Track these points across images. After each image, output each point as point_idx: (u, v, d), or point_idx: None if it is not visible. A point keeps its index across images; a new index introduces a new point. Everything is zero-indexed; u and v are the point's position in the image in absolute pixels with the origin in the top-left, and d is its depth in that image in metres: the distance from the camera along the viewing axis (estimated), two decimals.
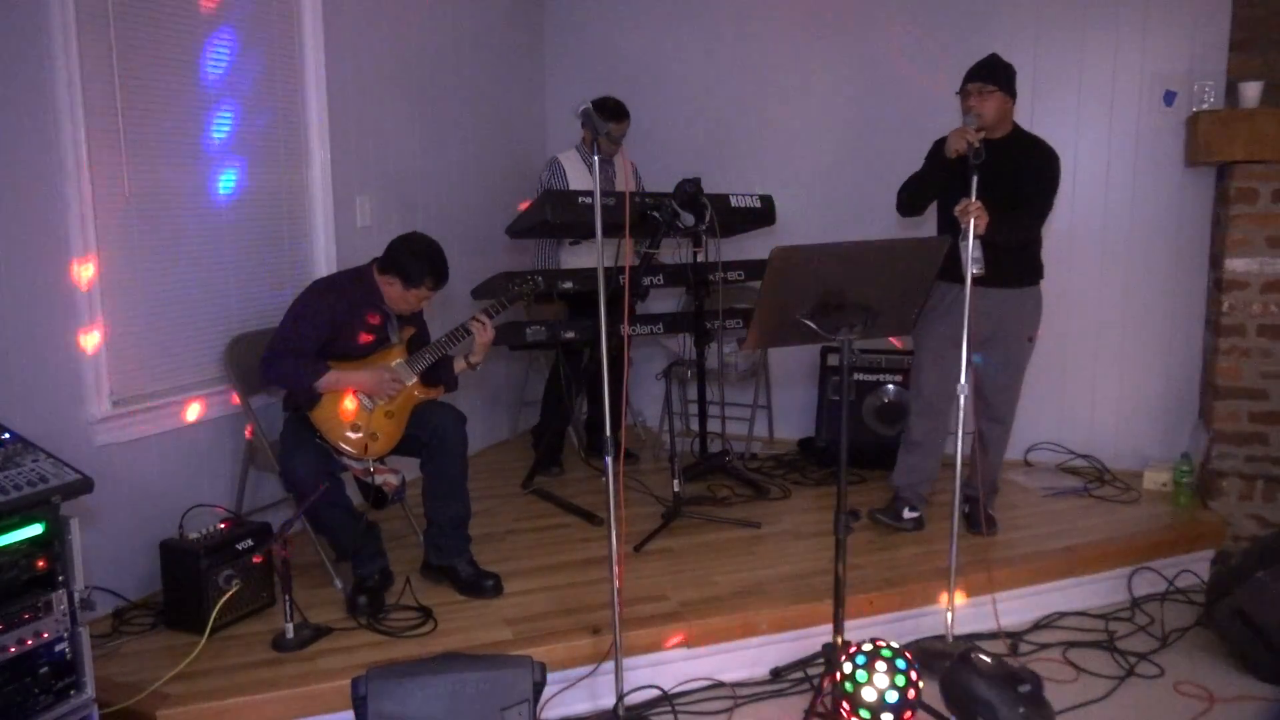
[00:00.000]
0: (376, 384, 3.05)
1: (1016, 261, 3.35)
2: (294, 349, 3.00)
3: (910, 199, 3.45)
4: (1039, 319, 3.53)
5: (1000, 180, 3.21)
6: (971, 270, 2.92)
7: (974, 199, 2.95)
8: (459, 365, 3.28)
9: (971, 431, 3.59)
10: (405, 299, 3.12)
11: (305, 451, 2.97)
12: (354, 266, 3.25)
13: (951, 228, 3.25)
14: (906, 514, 3.59)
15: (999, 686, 2.48)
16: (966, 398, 2.90)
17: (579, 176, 4.32)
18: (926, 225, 3.67)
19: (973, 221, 2.95)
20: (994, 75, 3.28)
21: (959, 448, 2.90)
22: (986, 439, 3.59)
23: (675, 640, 2.84)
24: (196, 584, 2.76)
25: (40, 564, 2.16)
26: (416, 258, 3.06)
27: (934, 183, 3.36)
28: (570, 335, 4.07)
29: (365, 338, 3.13)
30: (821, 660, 2.84)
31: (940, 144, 3.32)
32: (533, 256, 4.52)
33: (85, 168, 2.80)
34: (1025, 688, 2.47)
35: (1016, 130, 3.41)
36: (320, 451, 3.00)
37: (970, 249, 2.92)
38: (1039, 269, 3.51)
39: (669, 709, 2.73)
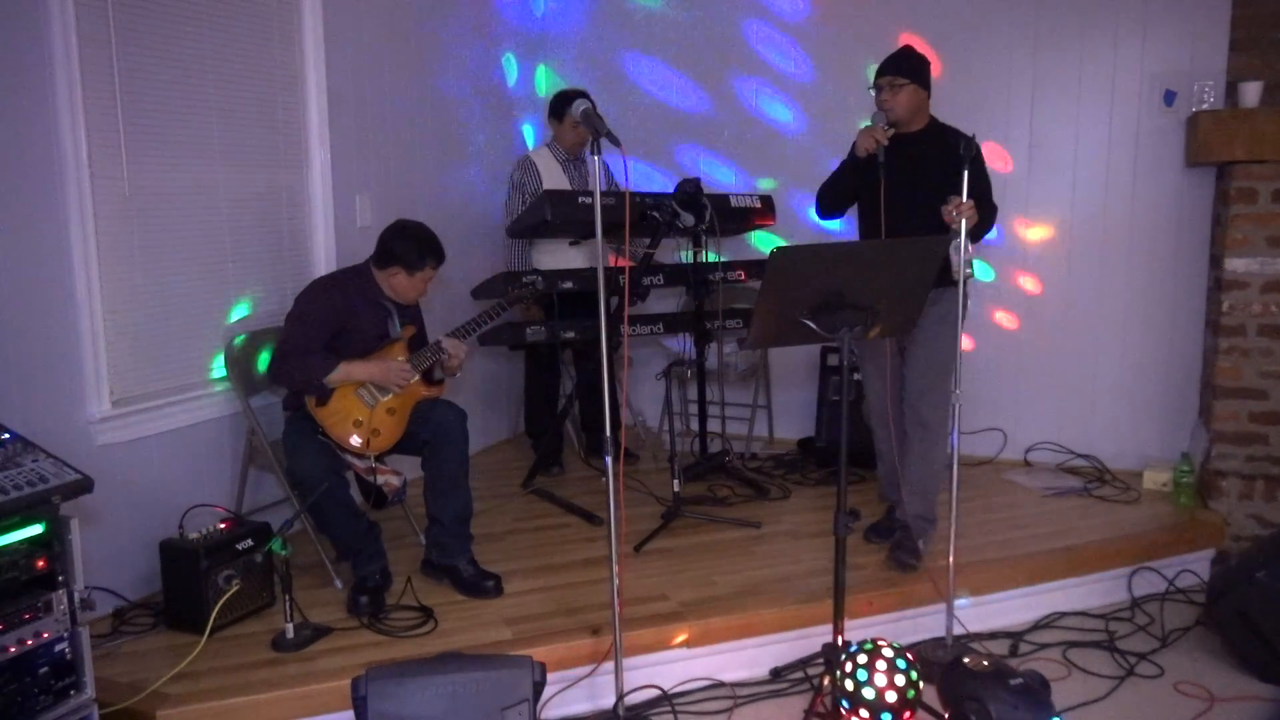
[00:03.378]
0: (385, 373, 3.06)
1: None
2: (302, 346, 3.01)
3: (827, 201, 3.38)
4: (962, 320, 3.40)
5: (918, 174, 3.15)
6: (965, 272, 2.86)
7: (965, 198, 2.86)
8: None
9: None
10: (412, 285, 3.12)
11: (311, 448, 2.97)
12: (352, 265, 3.26)
13: (872, 231, 3.22)
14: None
15: (991, 683, 2.45)
16: (959, 404, 2.88)
17: (552, 175, 4.29)
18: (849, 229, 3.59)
19: (964, 221, 2.87)
20: (904, 68, 3.19)
21: (955, 448, 2.90)
22: (911, 445, 3.30)
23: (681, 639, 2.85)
24: (196, 584, 2.76)
25: (40, 564, 2.16)
26: (411, 243, 3.08)
27: (849, 184, 3.30)
28: (570, 335, 4.08)
29: (367, 334, 3.14)
30: (821, 660, 2.84)
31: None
32: (504, 259, 4.46)
33: (85, 168, 2.80)
34: (1017, 681, 2.45)
35: (933, 123, 3.30)
36: (325, 449, 3.01)
37: (964, 249, 2.85)
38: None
39: (669, 709, 2.73)
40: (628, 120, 4.91)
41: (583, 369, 4.33)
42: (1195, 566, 3.61)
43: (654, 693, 2.78)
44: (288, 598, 2.72)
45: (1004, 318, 4.51)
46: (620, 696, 2.57)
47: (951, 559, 2.89)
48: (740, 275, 4.35)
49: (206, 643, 2.70)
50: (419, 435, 3.13)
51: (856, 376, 4.35)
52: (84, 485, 2.21)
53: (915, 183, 3.13)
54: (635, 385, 5.14)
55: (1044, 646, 3.12)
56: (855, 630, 2.90)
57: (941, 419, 3.26)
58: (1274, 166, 3.67)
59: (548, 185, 4.21)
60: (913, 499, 3.30)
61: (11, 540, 2.10)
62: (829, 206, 3.40)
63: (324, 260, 3.73)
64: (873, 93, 3.26)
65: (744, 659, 2.94)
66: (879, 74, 3.24)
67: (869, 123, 3.17)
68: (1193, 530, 3.66)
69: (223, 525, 2.94)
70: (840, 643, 2.61)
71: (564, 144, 4.35)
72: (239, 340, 3.29)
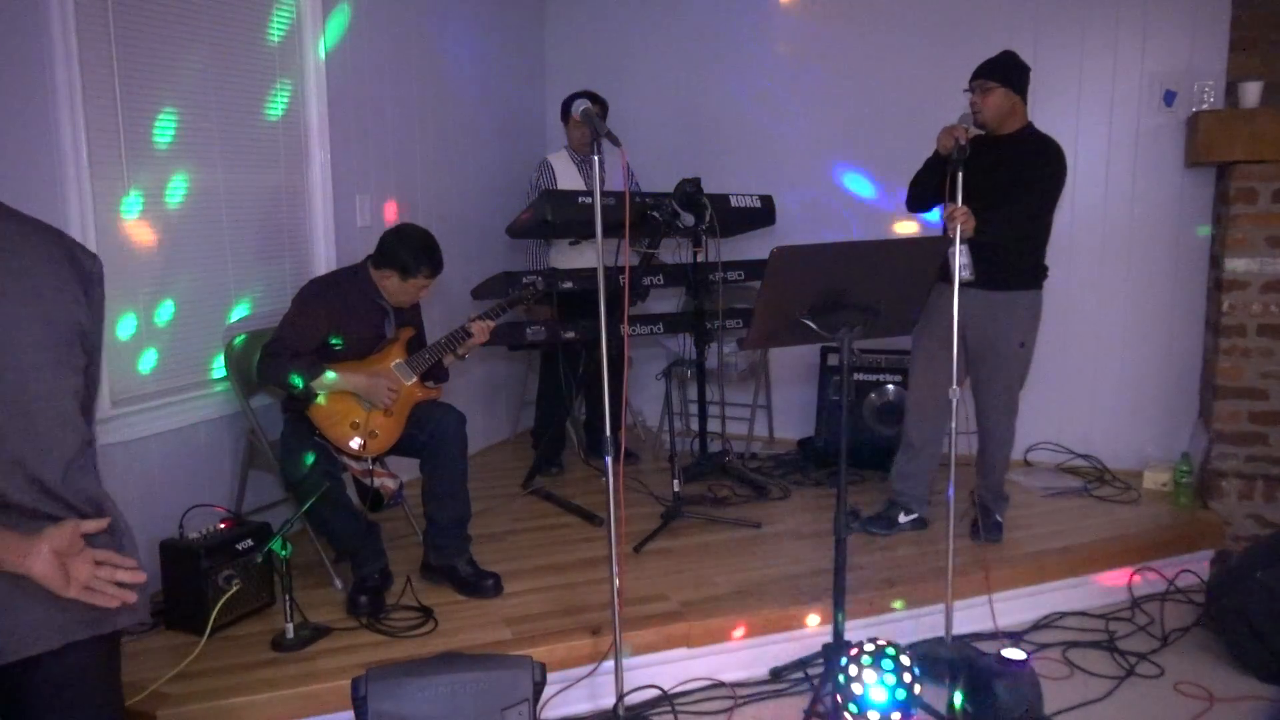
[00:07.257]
0: (372, 389, 3.05)
1: (1008, 264, 3.31)
2: (292, 348, 3.00)
3: (915, 196, 3.49)
4: (1035, 325, 3.45)
5: (1000, 178, 3.19)
6: (962, 275, 2.91)
7: (960, 203, 2.93)
8: (447, 358, 3.29)
9: (973, 431, 3.59)
10: (404, 290, 3.12)
11: (307, 450, 2.96)
12: (350, 265, 3.26)
13: (945, 229, 3.26)
14: (902, 519, 3.58)
15: None
16: (958, 400, 2.89)
17: (568, 177, 4.32)
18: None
19: (959, 227, 2.95)
20: (995, 71, 3.27)
21: (954, 449, 2.90)
22: (984, 444, 3.53)
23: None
24: (196, 584, 2.76)
25: None
26: (410, 248, 3.07)
27: (931, 179, 3.36)
28: (570, 335, 4.07)
29: (364, 336, 3.13)
30: (821, 660, 2.84)
31: None
32: (523, 257, 4.52)
33: (85, 168, 2.80)
34: None
35: (1028, 129, 3.35)
36: (321, 450, 3.00)
37: (958, 254, 2.92)
38: (1037, 272, 3.44)
39: (669, 709, 2.73)
40: (638, 120, 4.91)
41: (591, 362, 4.32)
42: (1195, 566, 3.61)
43: (654, 693, 2.78)
44: (288, 598, 2.72)
45: None
46: (620, 696, 2.57)
47: (950, 559, 2.89)
48: (740, 275, 4.36)
49: (206, 643, 2.69)
50: (417, 438, 3.12)
51: (856, 376, 4.37)
52: None
53: (992, 185, 3.18)
54: (635, 385, 5.14)
55: (1044, 646, 3.12)
56: (855, 630, 2.90)
57: (1007, 422, 3.51)
58: (1274, 166, 3.67)
59: (563, 186, 4.24)
60: (992, 485, 3.55)
61: None
62: (914, 201, 3.52)
63: (324, 260, 3.73)
64: (967, 93, 3.34)
65: (744, 659, 2.93)
66: (972, 76, 3.32)
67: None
68: (1193, 530, 3.66)
69: (223, 525, 2.94)
70: (840, 643, 2.61)
71: (574, 144, 4.38)
72: (239, 340, 3.29)
